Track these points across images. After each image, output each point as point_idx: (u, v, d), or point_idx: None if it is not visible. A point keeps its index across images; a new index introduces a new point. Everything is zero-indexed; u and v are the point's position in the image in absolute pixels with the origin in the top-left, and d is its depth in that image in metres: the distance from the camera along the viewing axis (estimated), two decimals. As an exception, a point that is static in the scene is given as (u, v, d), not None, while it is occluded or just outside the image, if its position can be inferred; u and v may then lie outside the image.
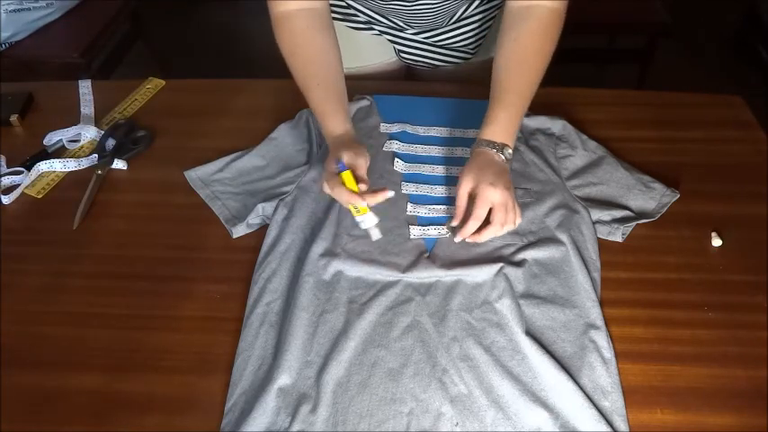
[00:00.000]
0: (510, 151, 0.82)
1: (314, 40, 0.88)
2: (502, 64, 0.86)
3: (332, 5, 1.04)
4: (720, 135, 1.00)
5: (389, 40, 1.11)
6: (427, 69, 1.15)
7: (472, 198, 0.79)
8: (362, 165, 0.81)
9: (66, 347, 0.76)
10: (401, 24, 1.06)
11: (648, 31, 1.98)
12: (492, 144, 0.81)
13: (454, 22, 1.06)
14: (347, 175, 0.77)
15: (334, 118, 0.85)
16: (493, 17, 1.06)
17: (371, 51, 1.13)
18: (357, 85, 1.07)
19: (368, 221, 0.79)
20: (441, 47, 1.11)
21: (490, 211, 0.78)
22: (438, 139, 0.98)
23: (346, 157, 0.79)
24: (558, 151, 0.95)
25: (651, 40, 2.00)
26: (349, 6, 1.06)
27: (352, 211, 0.78)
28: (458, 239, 0.81)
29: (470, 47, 1.10)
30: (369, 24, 1.08)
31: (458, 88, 1.08)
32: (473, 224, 0.78)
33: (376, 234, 0.80)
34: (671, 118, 1.04)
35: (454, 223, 0.80)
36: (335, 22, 1.06)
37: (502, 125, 0.83)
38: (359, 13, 1.06)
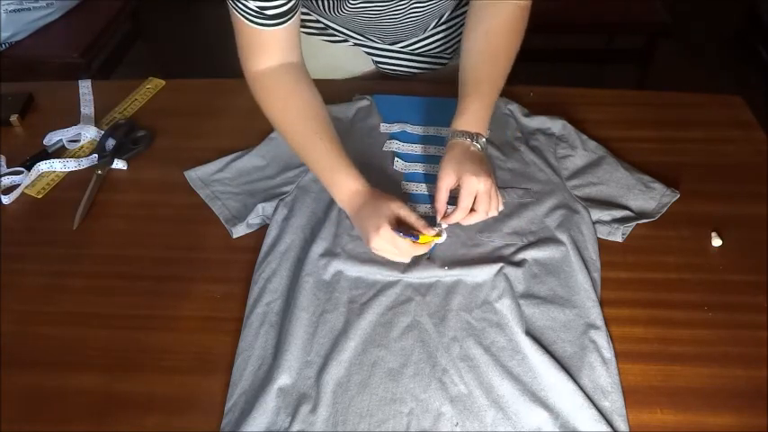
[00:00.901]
0: (484, 140, 0.83)
1: (303, 95, 0.84)
2: (472, 57, 0.87)
3: (306, 21, 1.03)
4: (720, 135, 1.00)
5: (366, 52, 1.10)
6: (406, 76, 1.15)
7: (452, 191, 0.80)
8: (409, 210, 0.79)
9: (66, 347, 0.76)
10: (375, 39, 1.06)
11: (648, 31, 1.98)
12: (467, 134, 0.82)
13: (431, 30, 1.06)
14: (424, 238, 0.77)
15: (351, 173, 0.81)
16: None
17: (348, 63, 1.12)
18: (358, 86, 1.07)
19: (444, 237, 0.80)
20: (417, 54, 1.10)
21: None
22: (438, 138, 0.98)
23: (397, 212, 0.77)
24: (558, 151, 0.95)
25: (651, 40, 1.99)
26: (323, 25, 1.06)
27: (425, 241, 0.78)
28: (444, 224, 0.81)
29: (447, 52, 1.10)
30: (343, 37, 1.08)
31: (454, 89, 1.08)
32: (460, 214, 0.79)
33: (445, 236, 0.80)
34: (671, 118, 1.04)
35: (439, 219, 0.81)
36: (311, 36, 1.06)
37: (475, 115, 0.83)
38: (334, 31, 1.06)
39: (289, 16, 0.80)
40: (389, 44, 1.08)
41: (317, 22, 1.05)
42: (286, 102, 0.84)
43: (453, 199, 0.81)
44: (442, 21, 1.05)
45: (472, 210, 0.80)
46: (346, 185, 0.81)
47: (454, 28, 1.06)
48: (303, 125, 0.83)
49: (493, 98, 0.86)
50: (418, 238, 0.77)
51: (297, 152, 0.85)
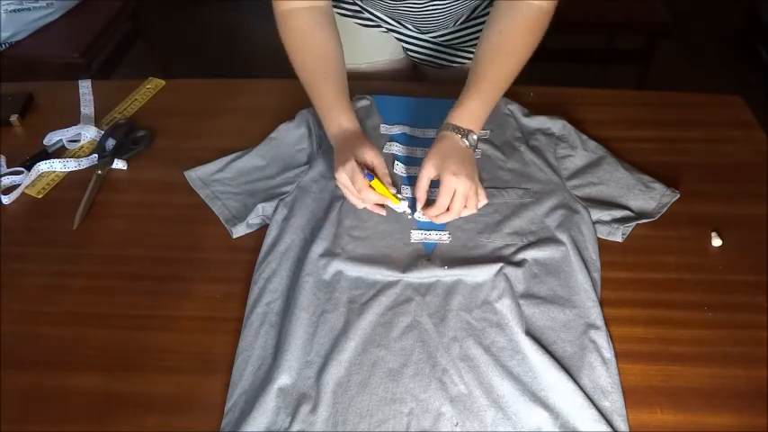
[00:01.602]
0: (475, 137, 0.84)
1: (320, 37, 0.89)
2: (482, 53, 0.87)
3: (341, 2, 1.04)
4: (720, 135, 1.00)
5: (397, 39, 1.11)
6: (434, 68, 1.15)
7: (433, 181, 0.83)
8: (383, 161, 0.85)
9: (66, 347, 0.76)
10: (410, 27, 1.06)
11: (648, 31, 1.98)
12: (458, 129, 0.83)
13: (462, 23, 1.06)
14: (376, 183, 0.82)
15: (345, 112, 0.87)
16: None
17: (380, 48, 1.13)
18: (360, 84, 1.07)
19: (403, 206, 0.85)
20: (448, 46, 1.11)
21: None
22: (438, 139, 0.98)
23: (369, 157, 0.83)
24: (557, 151, 0.95)
25: (651, 40, 1.99)
26: (359, 8, 1.06)
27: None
28: (421, 217, 0.85)
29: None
30: (377, 22, 1.08)
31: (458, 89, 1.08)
32: (435, 211, 0.82)
33: (412, 212, 0.86)
34: (671, 118, 1.04)
35: (418, 210, 0.85)
36: (344, 18, 1.07)
37: (471, 111, 0.84)
38: (367, 13, 1.07)
39: None
40: (421, 33, 1.09)
41: (353, 4, 1.06)
42: (304, 41, 0.89)
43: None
44: (473, 15, 1.05)
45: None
46: (338, 123, 0.86)
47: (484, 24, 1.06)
48: (313, 65, 0.89)
49: (493, 98, 0.86)
50: (372, 179, 0.81)
51: (305, 88, 0.90)
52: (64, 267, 0.85)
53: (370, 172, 0.83)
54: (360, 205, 0.85)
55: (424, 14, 0.99)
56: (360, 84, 1.07)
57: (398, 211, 0.86)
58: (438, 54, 1.13)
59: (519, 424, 0.66)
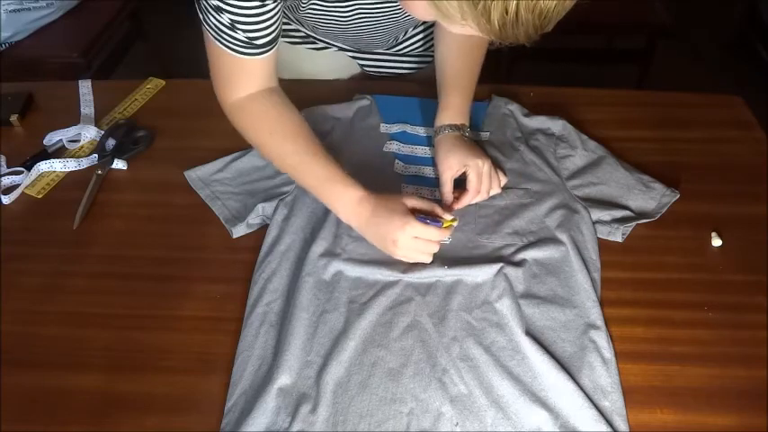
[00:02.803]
0: (468, 129, 0.88)
1: (290, 116, 0.83)
2: (446, 51, 0.89)
3: (287, 31, 1.04)
4: (720, 135, 1.00)
5: (351, 56, 1.11)
6: (392, 77, 1.15)
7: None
8: (421, 197, 0.80)
9: (66, 347, 0.76)
10: (361, 48, 1.07)
11: (648, 31, 1.98)
12: (454, 127, 0.87)
13: (408, 32, 1.06)
14: (447, 222, 0.78)
15: (349, 181, 0.79)
16: None
17: (336, 68, 1.12)
18: (359, 86, 1.07)
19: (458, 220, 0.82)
20: (401, 55, 1.11)
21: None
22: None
23: (411, 204, 0.78)
24: (557, 151, 0.95)
25: (651, 40, 1.99)
26: (305, 34, 1.05)
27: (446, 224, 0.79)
28: (457, 206, 0.85)
29: (431, 49, 1.10)
30: (327, 45, 1.08)
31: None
32: (471, 197, 0.84)
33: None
34: (671, 118, 1.04)
35: (448, 216, 0.79)
36: (295, 46, 1.06)
37: (457, 108, 0.88)
38: (315, 40, 1.06)
39: (276, 42, 0.78)
40: (372, 50, 1.08)
41: (298, 31, 1.05)
42: (275, 125, 0.82)
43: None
44: (419, 23, 1.05)
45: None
46: (349, 195, 0.78)
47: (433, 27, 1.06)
48: (294, 145, 0.81)
49: (472, 88, 0.89)
50: (441, 224, 0.77)
51: (290, 172, 0.84)
52: (64, 267, 0.85)
53: (429, 217, 0.77)
54: (429, 259, 0.79)
55: (370, 33, 0.96)
56: (358, 86, 1.07)
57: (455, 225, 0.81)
58: (393, 65, 1.12)
59: (519, 424, 0.66)
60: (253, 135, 0.84)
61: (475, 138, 0.94)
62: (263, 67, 0.80)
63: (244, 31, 0.74)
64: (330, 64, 1.10)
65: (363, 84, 1.10)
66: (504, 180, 0.88)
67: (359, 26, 0.92)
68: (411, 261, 0.78)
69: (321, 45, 1.07)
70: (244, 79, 0.81)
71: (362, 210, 0.78)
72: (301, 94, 0.90)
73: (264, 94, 0.82)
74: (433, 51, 1.09)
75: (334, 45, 1.07)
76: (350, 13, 0.88)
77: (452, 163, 0.84)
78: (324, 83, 1.08)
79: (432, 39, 1.08)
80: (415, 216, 0.76)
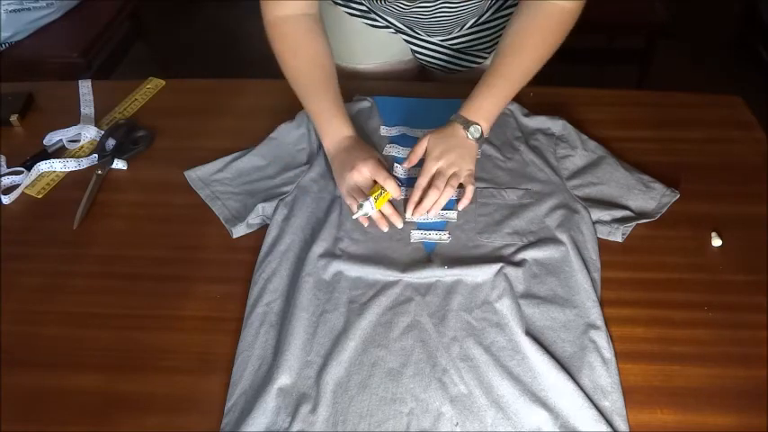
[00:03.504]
0: (479, 130, 0.86)
1: (314, 45, 0.89)
2: (501, 49, 0.88)
3: (350, 3, 1.05)
4: (720, 135, 1.00)
5: (405, 41, 1.11)
6: (441, 72, 1.16)
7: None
8: (384, 166, 0.86)
9: (66, 347, 0.76)
10: (418, 31, 1.07)
11: (648, 31, 1.98)
12: (465, 120, 0.85)
13: (469, 27, 1.06)
14: (382, 200, 0.83)
15: (342, 119, 0.88)
16: None
17: (387, 50, 1.13)
18: (364, 84, 1.07)
19: (373, 212, 0.84)
20: (456, 50, 1.11)
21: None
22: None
23: (370, 168, 0.84)
24: (557, 151, 0.95)
25: (651, 40, 1.99)
26: (367, 8, 1.06)
27: (374, 193, 0.83)
28: (409, 215, 0.85)
29: (486, 51, 1.11)
30: (385, 24, 1.09)
31: (462, 90, 1.08)
32: (416, 194, 0.84)
33: (359, 215, 0.84)
34: (671, 118, 1.04)
35: (406, 165, 0.88)
36: (353, 18, 1.07)
37: (479, 105, 0.87)
38: (377, 16, 1.07)
39: None
40: (429, 36, 1.09)
41: (361, 4, 1.06)
42: (297, 50, 0.89)
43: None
44: (481, 20, 1.06)
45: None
46: (338, 132, 0.88)
47: (495, 28, 1.07)
48: (309, 73, 0.89)
49: (505, 94, 0.88)
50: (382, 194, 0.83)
51: (299, 97, 0.90)
52: (64, 267, 0.85)
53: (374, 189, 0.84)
54: (359, 214, 0.83)
55: (432, 20, 0.99)
56: (366, 84, 1.07)
57: (363, 212, 0.83)
58: (445, 58, 1.13)
59: (519, 424, 0.66)
60: (280, 51, 0.90)
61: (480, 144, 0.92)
62: None
63: None
64: (383, 43, 1.12)
65: (364, 84, 1.10)
66: (464, 203, 0.85)
67: (431, 13, 0.95)
68: (345, 197, 0.85)
69: (380, 23, 1.08)
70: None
71: (341, 145, 0.88)
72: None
73: (300, 18, 0.88)
74: (486, 54, 1.11)
75: (393, 26, 1.08)
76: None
77: (426, 142, 0.86)
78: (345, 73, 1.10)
79: (489, 41, 1.09)
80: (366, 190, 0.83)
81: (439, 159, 0.84)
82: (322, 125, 0.89)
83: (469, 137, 0.86)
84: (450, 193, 0.84)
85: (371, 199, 0.82)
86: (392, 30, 1.09)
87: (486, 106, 0.86)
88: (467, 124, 0.85)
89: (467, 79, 1.13)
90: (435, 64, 1.14)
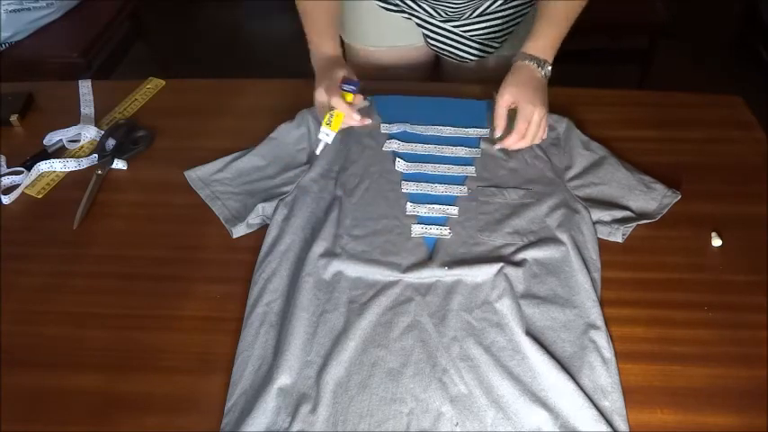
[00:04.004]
0: (549, 68, 0.89)
1: None
2: None
3: None
4: (720, 135, 1.00)
5: (418, 25, 1.12)
6: (452, 62, 1.16)
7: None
8: (336, 88, 0.89)
9: (65, 347, 0.76)
10: (429, 11, 1.07)
11: (649, 31, 1.98)
12: (535, 59, 0.89)
13: (480, 15, 1.07)
14: (336, 121, 0.87)
15: (334, 42, 0.95)
16: (523, 14, 1.08)
17: (401, 34, 1.14)
18: (381, 73, 1.08)
19: (331, 136, 0.88)
20: (467, 38, 1.12)
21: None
22: (438, 138, 0.98)
23: (346, 74, 0.90)
24: (559, 151, 0.94)
25: (652, 40, 1.99)
26: None
27: (325, 119, 0.87)
28: (498, 146, 0.91)
29: (497, 40, 1.12)
30: (400, 7, 1.10)
31: (463, 89, 1.08)
32: (515, 138, 0.87)
33: (321, 148, 0.89)
34: (671, 118, 1.04)
35: (498, 134, 0.90)
36: (368, 1, 1.09)
37: (547, 41, 0.90)
38: (392, 2, 1.08)
39: None
40: (441, 21, 1.10)
41: None
42: None
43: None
44: (494, 8, 1.07)
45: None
46: (323, 50, 0.95)
47: (508, 18, 1.08)
48: (312, 4, 0.96)
49: (563, 32, 0.91)
50: (357, 88, 0.89)
51: (300, 16, 0.97)
52: (64, 267, 0.85)
53: (353, 83, 0.89)
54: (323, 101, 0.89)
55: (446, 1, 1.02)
56: (378, 72, 1.07)
57: (322, 137, 0.87)
58: (457, 45, 1.13)
59: (519, 424, 0.66)
60: None
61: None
62: None
63: None
64: (396, 27, 1.13)
65: (363, 84, 1.09)
66: (544, 136, 0.90)
67: None
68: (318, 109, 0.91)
69: (394, 8, 1.10)
70: None
71: (322, 63, 0.94)
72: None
73: None
74: (497, 42, 1.13)
75: (406, 5, 1.09)
76: None
77: (510, 95, 0.88)
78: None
79: (501, 30, 1.11)
80: (342, 82, 0.88)
81: (535, 106, 0.87)
82: (312, 44, 0.95)
83: (542, 74, 0.90)
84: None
85: (323, 127, 0.87)
86: (405, 15, 1.11)
87: (551, 44, 0.91)
88: (537, 62, 0.89)
89: (472, 79, 1.14)
90: (446, 51, 1.15)
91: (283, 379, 0.69)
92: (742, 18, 2.53)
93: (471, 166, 0.93)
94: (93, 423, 0.68)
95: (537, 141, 0.89)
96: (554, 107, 1.01)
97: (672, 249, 0.84)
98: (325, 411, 0.67)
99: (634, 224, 0.85)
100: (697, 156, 0.97)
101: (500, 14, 1.08)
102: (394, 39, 1.16)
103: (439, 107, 1.03)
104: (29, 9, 1.73)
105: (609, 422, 0.66)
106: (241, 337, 0.75)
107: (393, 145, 0.96)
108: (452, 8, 1.04)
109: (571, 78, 1.05)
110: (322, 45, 0.95)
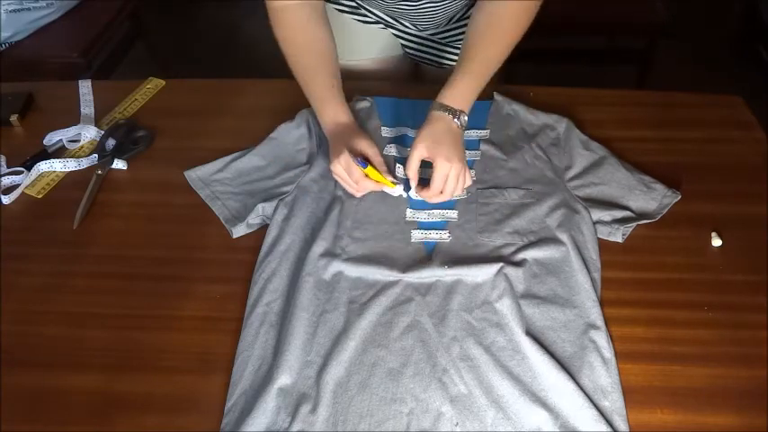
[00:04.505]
0: (465, 118, 0.85)
1: (314, 32, 0.90)
2: (471, 35, 0.88)
3: (340, 1, 1.05)
4: (720, 135, 1.00)
5: (394, 35, 1.11)
6: (432, 68, 1.16)
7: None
8: (377, 150, 0.87)
9: (65, 347, 0.76)
10: (407, 24, 1.07)
11: (648, 31, 1.97)
12: (449, 109, 0.85)
13: (455, 21, 1.06)
14: (371, 170, 0.84)
15: (340, 105, 0.90)
16: None
17: (377, 45, 1.14)
18: (360, 84, 1.07)
19: (399, 190, 0.87)
20: (445, 44, 1.11)
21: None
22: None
23: (363, 147, 0.86)
24: (559, 151, 0.94)
25: (651, 40, 1.99)
26: (356, 4, 1.06)
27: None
28: (416, 197, 0.88)
29: None
30: (374, 19, 1.09)
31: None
32: (430, 193, 0.84)
33: (409, 193, 0.88)
34: (671, 118, 1.04)
35: (413, 192, 0.87)
36: (342, 14, 1.08)
37: (461, 91, 0.86)
38: (364, 10, 1.07)
39: None
40: (418, 31, 1.09)
41: (351, 0, 1.06)
42: (297, 36, 0.90)
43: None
44: (468, 14, 1.05)
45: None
46: (334, 117, 0.89)
47: None
48: (307, 59, 0.91)
49: (483, 79, 0.87)
50: (366, 166, 0.83)
51: (299, 82, 0.91)
52: (64, 267, 0.85)
53: (364, 160, 0.84)
54: (358, 194, 0.87)
55: (419, 12, 1.00)
56: (359, 84, 1.07)
57: (395, 195, 0.88)
58: (434, 51, 1.13)
59: (519, 424, 0.66)
60: (281, 41, 0.91)
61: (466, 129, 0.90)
62: None
63: None
64: (373, 39, 1.12)
65: (363, 84, 1.10)
66: (468, 182, 0.85)
67: (417, 6, 0.95)
68: (341, 184, 0.87)
69: (370, 19, 1.09)
70: None
71: (336, 131, 0.89)
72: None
73: (299, 6, 0.89)
74: None
75: (381, 20, 1.08)
76: None
77: (423, 148, 0.83)
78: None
79: None
80: (356, 157, 0.84)
81: (451, 162, 0.82)
82: (318, 110, 0.91)
83: (457, 125, 0.84)
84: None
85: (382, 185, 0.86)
86: (381, 25, 1.10)
87: (466, 93, 0.86)
88: (452, 113, 0.84)
89: None
90: (425, 58, 1.14)
91: (283, 379, 0.69)
92: (742, 18, 2.53)
93: (471, 169, 0.92)
94: (93, 423, 0.68)
95: (456, 196, 0.86)
96: (554, 107, 1.01)
97: (672, 249, 0.84)
98: (325, 411, 0.67)
99: (634, 224, 0.85)
100: (697, 156, 0.97)
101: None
102: (372, 51, 1.14)
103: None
104: (29, 9, 1.73)
105: (609, 422, 0.66)
106: (241, 337, 0.75)
107: (393, 149, 0.96)
108: (427, 20, 1.04)
109: (571, 78, 1.05)
110: (325, 113, 0.90)
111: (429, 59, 1.14)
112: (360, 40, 1.11)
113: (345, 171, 0.84)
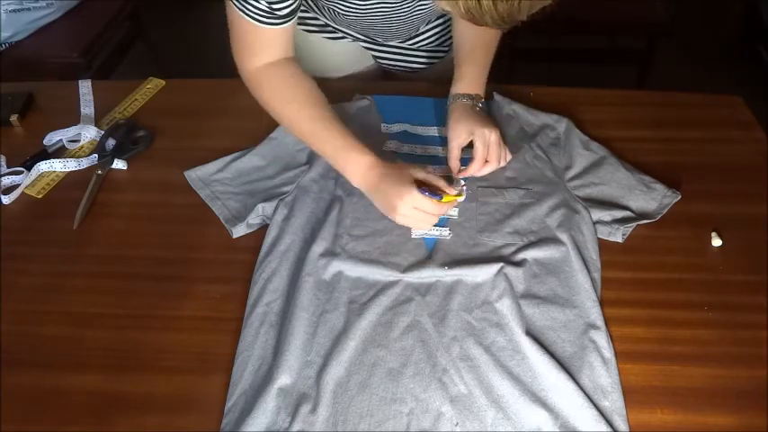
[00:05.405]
0: (483, 101, 0.89)
1: (305, 84, 0.86)
2: (463, 29, 0.91)
3: (304, 19, 1.05)
4: (720, 135, 1.00)
5: (365, 47, 1.11)
6: (404, 73, 1.15)
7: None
8: (423, 171, 0.81)
9: (65, 347, 0.76)
10: (377, 39, 1.07)
11: (648, 31, 1.98)
12: (467, 96, 0.89)
13: (423, 30, 1.07)
14: (448, 197, 0.80)
15: (361, 148, 0.82)
16: None
17: (350, 59, 1.13)
18: (358, 86, 1.07)
19: (462, 197, 0.84)
20: (416, 50, 1.11)
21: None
22: (438, 138, 0.98)
23: (420, 176, 0.80)
24: (559, 151, 0.95)
25: (651, 40, 1.99)
26: (324, 23, 1.06)
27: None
28: (461, 176, 0.88)
29: (444, 44, 1.11)
30: (343, 34, 1.08)
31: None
32: (477, 165, 0.86)
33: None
34: (671, 118, 1.04)
35: (452, 191, 0.81)
36: (311, 34, 1.07)
37: (472, 79, 0.90)
38: (334, 29, 1.07)
39: (295, 14, 0.81)
40: (386, 40, 1.09)
41: (316, 19, 1.06)
42: (289, 94, 0.86)
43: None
44: (433, 23, 1.06)
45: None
46: (360, 162, 0.82)
47: (450, 21, 1.06)
48: (309, 112, 0.85)
49: (487, 63, 0.91)
50: (442, 198, 0.80)
51: (306, 140, 0.87)
52: (64, 267, 0.85)
53: (430, 191, 0.79)
54: (428, 227, 0.82)
55: (387, 26, 0.99)
56: (350, 86, 1.07)
57: (461, 200, 0.85)
58: (405, 58, 1.13)
59: (519, 424, 0.66)
60: (270, 103, 0.87)
61: (486, 110, 0.95)
62: (283, 36, 0.83)
63: (267, 1, 0.76)
64: (344, 54, 1.12)
65: (363, 84, 1.09)
66: (509, 156, 0.89)
67: (377, 17, 0.94)
68: (412, 227, 0.83)
69: (338, 35, 1.08)
70: (263, 48, 0.84)
71: (372, 176, 0.81)
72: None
73: (282, 63, 0.86)
74: (445, 47, 1.11)
75: (350, 35, 1.08)
76: (369, 6, 0.90)
77: (460, 131, 0.87)
78: (327, 82, 1.08)
79: (446, 35, 1.09)
80: (419, 188, 0.78)
81: (489, 129, 0.86)
82: (342, 161, 0.83)
83: (481, 108, 0.90)
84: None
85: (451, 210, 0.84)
86: (350, 39, 1.09)
87: (477, 80, 0.91)
88: (471, 99, 0.89)
89: (437, 80, 1.14)
90: (397, 66, 1.14)
91: (283, 379, 0.69)
92: (742, 18, 2.53)
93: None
94: (93, 423, 0.68)
95: (503, 163, 0.88)
96: (554, 107, 1.01)
97: (672, 249, 0.84)
98: (325, 411, 0.67)
99: (634, 224, 0.85)
100: (697, 156, 0.97)
101: (440, 21, 1.07)
102: (344, 66, 1.13)
103: (438, 107, 1.02)
104: (29, 9, 1.73)
105: (609, 422, 0.66)
106: (241, 337, 0.75)
107: (392, 145, 0.96)
108: (397, 32, 1.04)
109: (571, 78, 1.05)
110: (354, 161, 0.82)
111: (402, 66, 1.14)
112: (331, 56, 1.11)
113: (416, 209, 0.78)
